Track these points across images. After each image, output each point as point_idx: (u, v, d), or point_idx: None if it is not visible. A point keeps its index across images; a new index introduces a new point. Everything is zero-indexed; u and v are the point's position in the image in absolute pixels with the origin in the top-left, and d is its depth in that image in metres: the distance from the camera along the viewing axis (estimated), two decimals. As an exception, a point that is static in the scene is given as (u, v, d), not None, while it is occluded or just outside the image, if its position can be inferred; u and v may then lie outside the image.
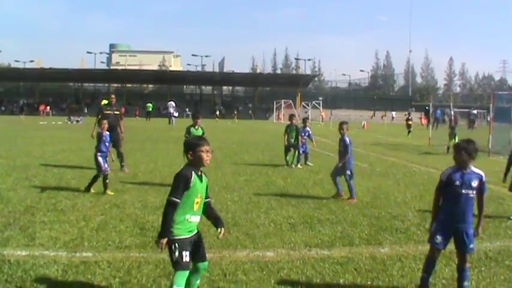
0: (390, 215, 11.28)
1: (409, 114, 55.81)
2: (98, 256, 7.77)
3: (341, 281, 7.01)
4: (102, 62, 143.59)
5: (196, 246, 5.83)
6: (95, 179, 13.21)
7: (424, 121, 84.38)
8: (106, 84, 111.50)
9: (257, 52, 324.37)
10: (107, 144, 13.74)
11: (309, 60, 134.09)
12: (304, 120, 22.03)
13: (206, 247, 8.42)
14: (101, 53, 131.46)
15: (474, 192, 6.52)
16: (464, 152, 6.43)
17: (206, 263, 6.05)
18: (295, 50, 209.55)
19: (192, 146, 5.82)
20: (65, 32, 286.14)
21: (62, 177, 15.29)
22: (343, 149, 13.15)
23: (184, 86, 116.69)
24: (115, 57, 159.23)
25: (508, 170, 12.04)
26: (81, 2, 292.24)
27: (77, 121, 58.46)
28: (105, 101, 18.38)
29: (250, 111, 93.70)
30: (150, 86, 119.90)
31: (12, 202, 11.47)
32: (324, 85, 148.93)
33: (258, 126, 56.54)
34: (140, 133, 37.45)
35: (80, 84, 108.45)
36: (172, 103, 66.48)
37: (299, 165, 19.55)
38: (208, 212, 6.03)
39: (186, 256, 5.61)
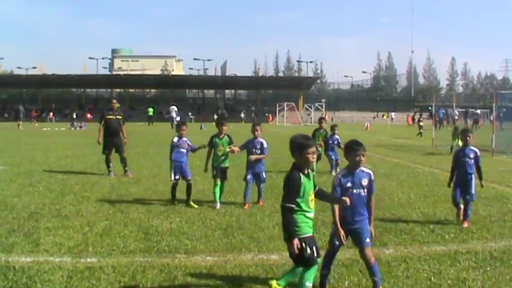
0: (394, 216, 11.27)
1: (420, 115, 55.36)
2: (103, 261, 7.80)
3: (346, 283, 7.02)
4: (104, 68, 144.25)
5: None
6: (188, 190, 12.63)
7: (410, 121, 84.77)
8: (108, 90, 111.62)
9: (259, 55, 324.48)
10: (182, 150, 12.81)
11: (311, 62, 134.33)
12: (333, 127, 19.95)
13: (211, 250, 8.47)
14: (103, 58, 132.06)
15: (365, 190, 6.81)
16: (355, 152, 6.67)
17: (316, 266, 6.15)
18: (297, 53, 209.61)
19: (300, 147, 5.99)
20: (67, 37, 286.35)
21: (65, 183, 15.30)
22: (260, 151, 12.64)
23: (187, 90, 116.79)
24: (117, 63, 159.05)
25: (452, 174, 11.01)
26: (83, 8, 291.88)
27: (80, 127, 58.52)
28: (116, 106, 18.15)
29: (253, 114, 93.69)
30: (153, 90, 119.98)
31: (16, 208, 11.49)
32: (327, 87, 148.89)
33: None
34: (143, 138, 37.46)
35: (82, 89, 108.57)
36: (175, 107, 66.58)
37: (333, 173, 18.16)
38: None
39: (316, 251, 5.88)
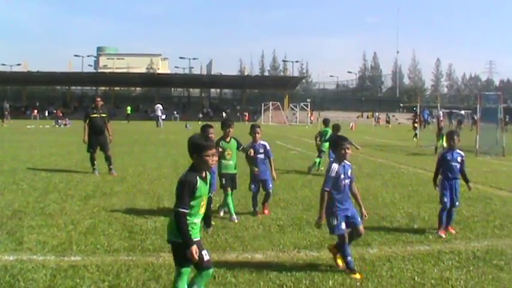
0: (378, 216, 11.30)
1: (414, 116, 54.71)
2: (87, 260, 7.75)
3: (330, 282, 7.02)
4: (89, 65, 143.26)
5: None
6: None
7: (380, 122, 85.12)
8: (94, 88, 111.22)
9: (245, 54, 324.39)
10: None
11: (296, 62, 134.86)
12: (336, 126, 19.51)
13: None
14: (88, 56, 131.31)
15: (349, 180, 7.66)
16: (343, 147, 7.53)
17: (210, 271, 5.82)
18: (282, 52, 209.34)
19: (198, 148, 5.55)
20: (52, 35, 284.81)
21: (49, 181, 15.19)
22: (264, 155, 11.37)
23: (172, 89, 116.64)
24: (102, 60, 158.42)
25: (436, 175, 10.48)
26: (68, 5, 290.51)
27: (65, 124, 58.21)
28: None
29: (238, 114, 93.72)
30: (138, 89, 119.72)
31: (-1, 206, 11.41)
32: (312, 87, 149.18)
33: (246, 128, 56.49)
34: (128, 136, 37.31)
35: (67, 87, 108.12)
36: (160, 106, 66.44)
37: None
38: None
39: (206, 255, 5.54)
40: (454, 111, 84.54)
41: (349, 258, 7.41)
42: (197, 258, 5.39)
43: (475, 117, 41.11)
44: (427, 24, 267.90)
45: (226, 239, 9.09)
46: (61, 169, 17.94)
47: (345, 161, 7.53)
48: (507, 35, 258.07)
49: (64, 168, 18.12)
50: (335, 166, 7.41)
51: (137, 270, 7.30)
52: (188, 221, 5.47)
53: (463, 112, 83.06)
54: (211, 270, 5.78)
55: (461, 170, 10.30)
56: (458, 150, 10.34)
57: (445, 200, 10.08)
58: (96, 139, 17.22)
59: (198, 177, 5.52)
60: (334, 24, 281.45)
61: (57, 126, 57.38)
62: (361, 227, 7.54)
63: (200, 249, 5.47)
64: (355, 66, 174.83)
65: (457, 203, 10.21)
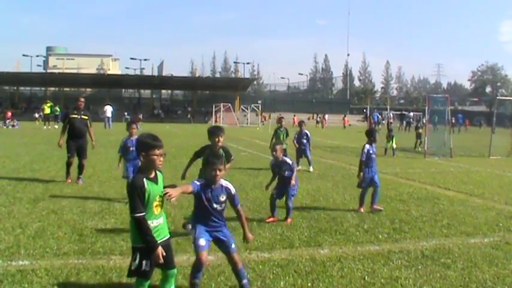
0: (329, 216, 11.40)
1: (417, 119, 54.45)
2: (35, 264, 7.61)
3: (282, 283, 7.05)
4: (38, 65, 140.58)
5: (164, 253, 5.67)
6: None
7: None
8: (43, 88, 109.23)
9: (196, 55, 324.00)
10: (132, 149, 12.05)
11: (247, 63, 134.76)
12: (301, 123, 22.16)
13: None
14: (37, 56, 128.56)
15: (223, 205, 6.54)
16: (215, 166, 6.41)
17: (174, 270, 6.07)
18: (234, 54, 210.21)
19: (145, 147, 5.58)
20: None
21: (-4, 183, 14.88)
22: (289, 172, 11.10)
23: (123, 90, 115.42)
24: (52, 61, 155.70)
25: (360, 169, 12.71)
26: (16, 3, 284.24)
27: (13, 126, 57.02)
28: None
29: (189, 115, 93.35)
30: (88, 89, 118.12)
31: None
32: (263, 88, 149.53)
33: (197, 130, 56.14)
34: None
35: (15, 87, 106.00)
36: (110, 107, 65.73)
37: (311, 168, 19.97)
38: None
39: (146, 265, 5.53)
40: (405, 113, 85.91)
41: (196, 280, 6.47)
42: (162, 260, 5.49)
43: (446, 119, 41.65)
44: (377, 27, 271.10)
45: (177, 241, 8.99)
46: (9, 171, 17.57)
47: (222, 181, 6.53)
48: (454, 38, 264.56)
49: (12, 171, 17.75)
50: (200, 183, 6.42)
51: (87, 273, 7.21)
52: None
53: (412, 114, 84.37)
54: (175, 270, 5.99)
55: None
56: (373, 144, 12.69)
57: (363, 185, 12.59)
58: (75, 143, 15.93)
59: (145, 179, 5.51)
60: (286, 26, 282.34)
61: (5, 127, 56.19)
62: (233, 255, 6.70)
63: (143, 257, 5.55)
64: (306, 68, 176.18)
65: (379, 184, 12.67)
